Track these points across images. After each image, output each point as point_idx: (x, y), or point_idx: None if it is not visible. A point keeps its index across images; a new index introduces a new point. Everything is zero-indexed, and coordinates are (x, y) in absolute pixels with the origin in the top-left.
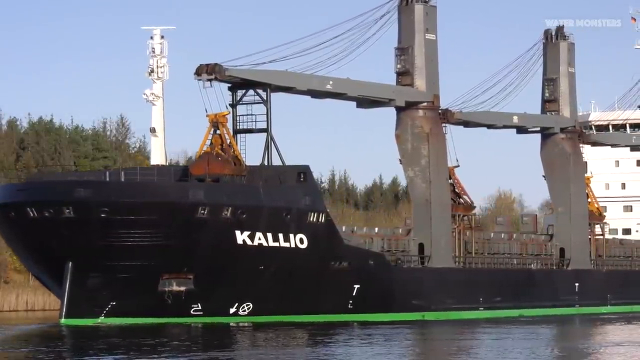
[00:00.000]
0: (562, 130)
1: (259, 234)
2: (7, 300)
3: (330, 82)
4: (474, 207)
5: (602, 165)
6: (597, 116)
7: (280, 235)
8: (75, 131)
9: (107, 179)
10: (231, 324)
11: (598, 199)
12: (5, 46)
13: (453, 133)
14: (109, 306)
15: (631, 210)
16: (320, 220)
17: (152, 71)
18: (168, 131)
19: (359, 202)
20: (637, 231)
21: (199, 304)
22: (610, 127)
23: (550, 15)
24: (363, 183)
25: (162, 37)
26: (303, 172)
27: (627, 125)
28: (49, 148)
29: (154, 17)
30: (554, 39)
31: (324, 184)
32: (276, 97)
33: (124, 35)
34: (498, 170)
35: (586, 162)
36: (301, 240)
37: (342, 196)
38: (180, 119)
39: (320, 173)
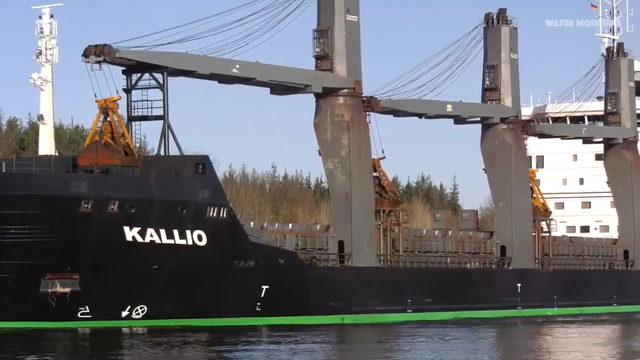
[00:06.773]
0: (503, 120)
1: (150, 230)
2: None
3: (237, 66)
4: (402, 202)
5: (559, 159)
6: (553, 108)
7: (175, 232)
8: (75, 131)
9: None
10: (123, 329)
11: (555, 195)
12: (5, 46)
13: (379, 122)
14: None
15: (590, 207)
16: (221, 215)
17: (40, 53)
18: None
19: None
20: (595, 229)
21: (87, 307)
22: (568, 120)
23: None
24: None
25: (52, 16)
26: (202, 163)
27: (585, 118)
28: None
29: None
30: (495, 23)
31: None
32: (191, 83)
33: None
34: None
35: (543, 156)
36: (199, 237)
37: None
38: (72, 105)
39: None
